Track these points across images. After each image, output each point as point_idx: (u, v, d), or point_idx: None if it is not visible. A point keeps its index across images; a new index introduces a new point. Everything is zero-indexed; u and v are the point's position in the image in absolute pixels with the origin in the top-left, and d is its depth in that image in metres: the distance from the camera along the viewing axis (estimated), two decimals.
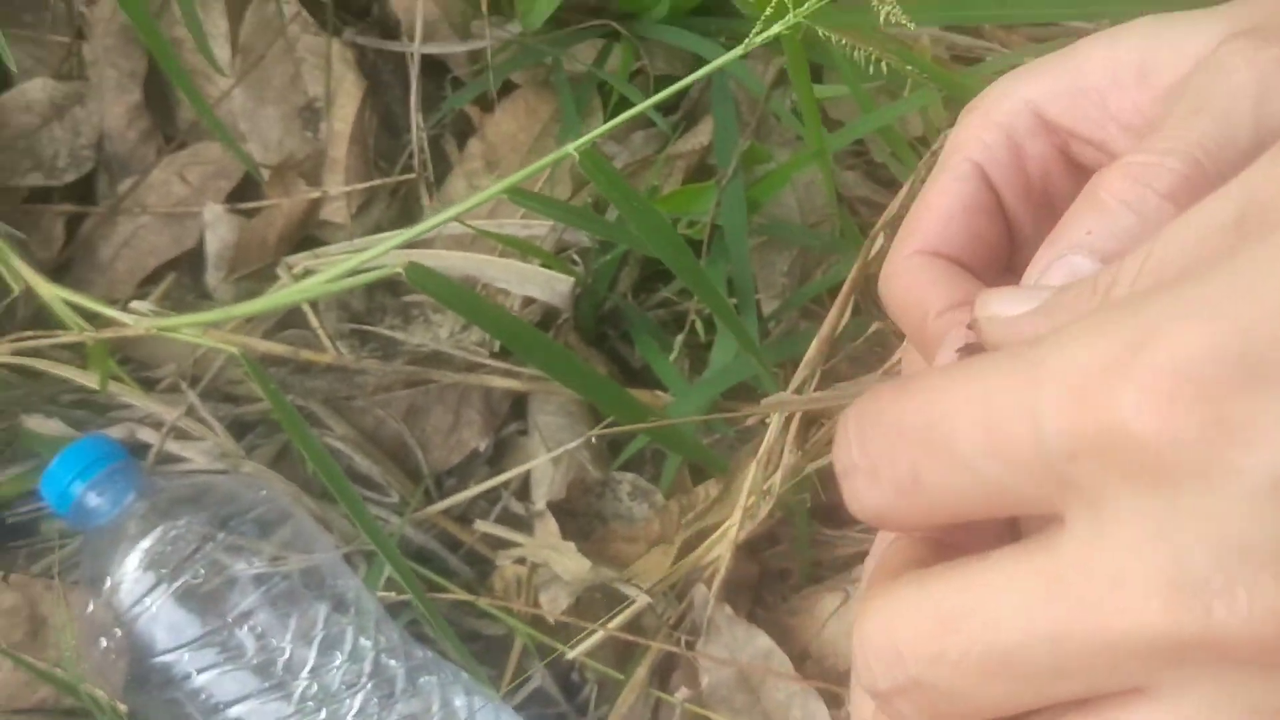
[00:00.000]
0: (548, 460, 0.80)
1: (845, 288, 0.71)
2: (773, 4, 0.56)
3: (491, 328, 0.66)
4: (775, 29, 0.56)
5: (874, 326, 0.72)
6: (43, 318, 0.87)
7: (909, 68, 0.63)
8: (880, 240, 0.70)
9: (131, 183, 0.90)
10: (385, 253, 0.69)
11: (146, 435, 0.79)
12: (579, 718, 0.76)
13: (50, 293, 0.72)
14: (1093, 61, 0.36)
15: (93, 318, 0.75)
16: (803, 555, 0.77)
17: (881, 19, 0.53)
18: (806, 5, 0.55)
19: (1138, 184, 0.31)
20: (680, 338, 0.77)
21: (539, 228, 0.82)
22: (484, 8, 0.78)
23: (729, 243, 0.74)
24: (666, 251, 0.64)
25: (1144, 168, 0.31)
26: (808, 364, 0.71)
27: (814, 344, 0.70)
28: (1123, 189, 0.31)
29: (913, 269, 0.36)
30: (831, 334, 0.70)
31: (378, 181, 0.86)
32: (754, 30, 0.56)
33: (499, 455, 0.85)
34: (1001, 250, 0.38)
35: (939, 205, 0.37)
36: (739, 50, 0.57)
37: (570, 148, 0.61)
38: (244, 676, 0.71)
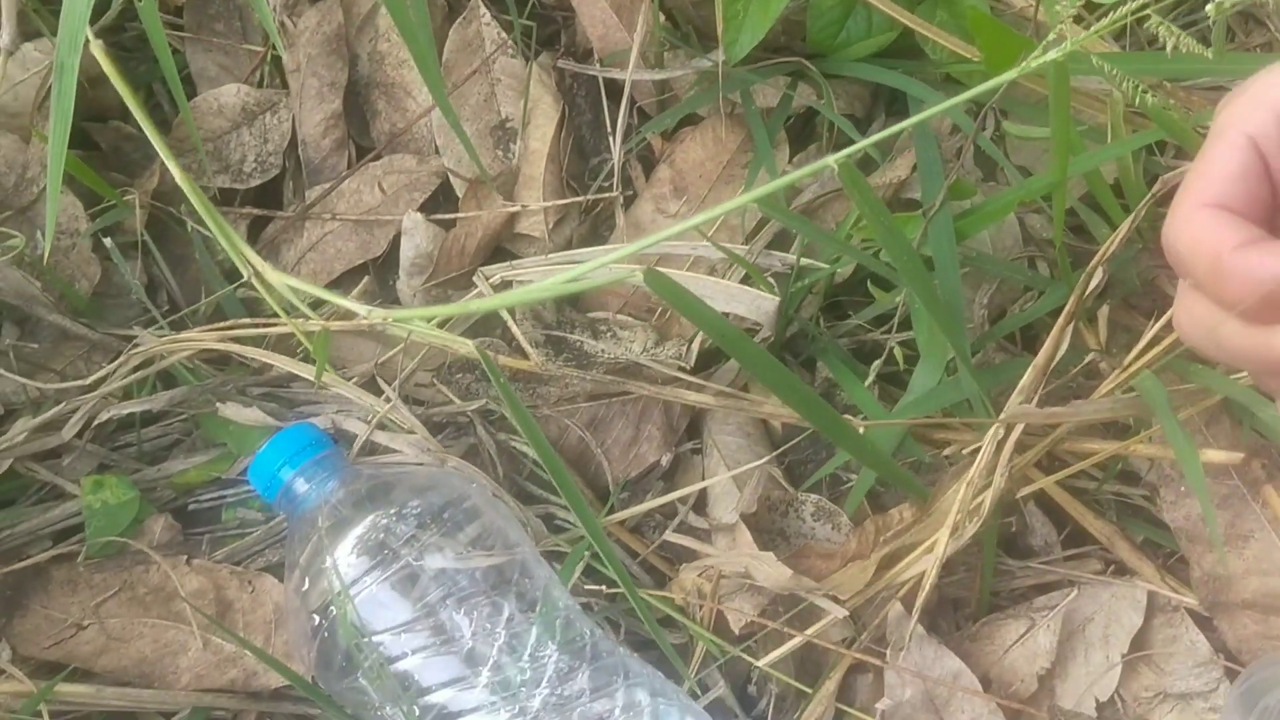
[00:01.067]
0: (729, 477, 0.81)
1: (1062, 318, 0.73)
2: (1032, 49, 0.58)
3: (716, 334, 0.68)
4: (1053, 54, 0.58)
5: (1089, 357, 0.73)
6: (228, 311, 0.89)
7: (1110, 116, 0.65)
8: (1099, 274, 0.72)
9: (322, 189, 0.93)
10: (606, 264, 0.71)
11: (350, 425, 0.80)
12: None
13: (277, 279, 0.74)
14: None
15: (314, 307, 0.77)
16: (985, 583, 0.78)
17: (1169, 47, 0.55)
18: (1084, 35, 0.58)
19: None
20: (878, 364, 0.79)
21: (737, 250, 0.84)
22: (694, 39, 0.81)
23: (940, 270, 0.76)
24: (905, 265, 0.66)
25: None
26: (1021, 391, 0.72)
27: (1029, 371, 0.72)
28: None
29: (1203, 218, 0.42)
30: (1047, 364, 0.72)
31: (577, 199, 0.88)
32: (1034, 53, 0.58)
33: (673, 472, 0.86)
34: (1269, 212, 0.44)
35: (1220, 168, 0.43)
36: (1008, 76, 0.59)
37: (830, 159, 0.63)
38: (444, 663, 0.72)
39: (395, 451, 0.79)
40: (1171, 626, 0.76)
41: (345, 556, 0.72)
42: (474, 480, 0.77)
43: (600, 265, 0.70)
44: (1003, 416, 0.69)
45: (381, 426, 0.80)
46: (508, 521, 0.77)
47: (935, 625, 0.80)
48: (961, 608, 0.81)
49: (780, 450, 0.83)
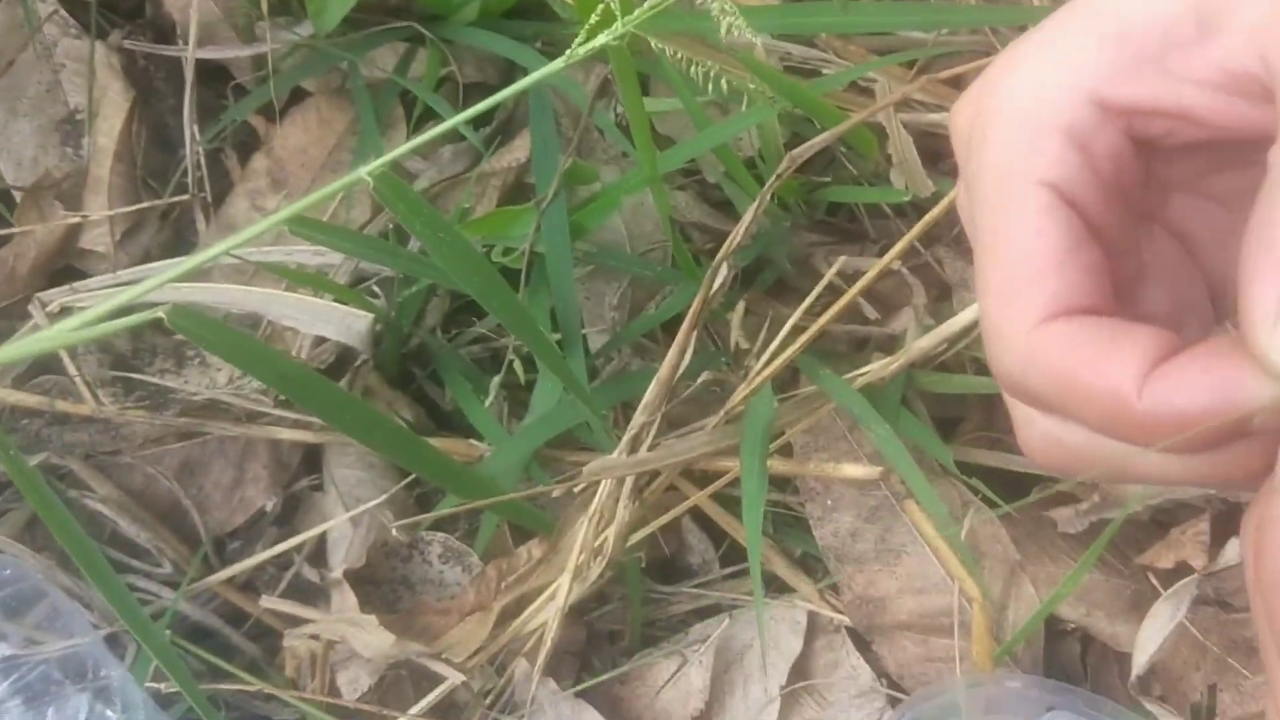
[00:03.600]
0: (346, 520, 0.70)
1: (685, 324, 0.64)
2: (599, 9, 0.49)
3: (269, 377, 0.57)
4: (602, 39, 0.48)
5: (703, 376, 0.65)
6: None
7: (749, 82, 0.56)
8: (724, 270, 0.63)
9: None
10: (153, 289, 0.59)
11: None
12: None
13: None
14: (1134, 24, 0.30)
15: None
16: (635, 615, 0.70)
17: (723, 30, 0.46)
18: (636, 13, 0.48)
19: None
20: (497, 379, 0.69)
21: (334, 256, 0.72)
22: (264, 8, 0.68)
23: (551, 272, 0.66)
24: (476, 284, 0.56)
25: None
26: (645, 409, 0.63)
27: (652, 387, 0.63)
28: None
29: (1062, 342, 0.29)
30: (671, 376, 0.63)
31: (146, 204, 0.75)
32: (577, 39, 0.48)
33: (290, 515, 0.75)
34: (1106, 275, 0.31)
35: (1043, 250, 0.30)
36: (559, 62, 0.49)
37: (362, 171, 0.53)
38: None
39: None
40: (833, 650, 0.68)
41: None
42: (11, 562, 0.64)
43: (143, 291, 0.58)
44: (585, 473, 0.60)
45: None
46: (69, 605, 0.65)
47: (588, 664, 0.72)
48: (617, 640, 0.73)
49: (406, 481, 0.73)
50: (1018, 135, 0.30)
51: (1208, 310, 0.35)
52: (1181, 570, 0.63)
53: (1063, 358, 0.29)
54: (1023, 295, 0.29)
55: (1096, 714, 0.62)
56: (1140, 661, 0.62)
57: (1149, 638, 0.62)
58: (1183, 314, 0.34)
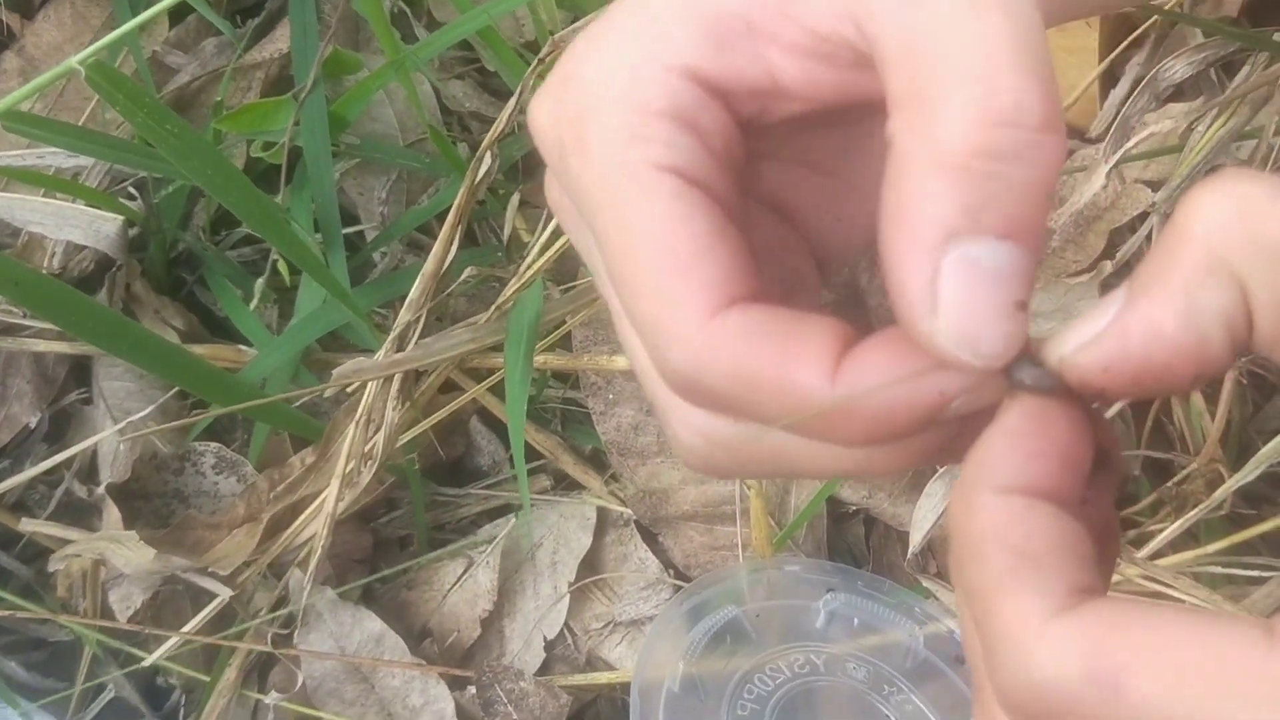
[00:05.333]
0: (114, 433, 0.67)
1: (451, 216, 0.61)
2: None
3: (10, 290, 0.53)
4: None
5: (468, 271, 0.63)
6: None
7: None
8: (488, 161, 0.61)
9: None
10: None
11: None
12: None
13: None
14: None
15: None
16: (420, 519, 0.68)
17: None
18: None
19: (1001, 126, 0.24)
20: (260, 281, 0.66)
21: (88, 159, 0.68)
22: None
23: (309, 166, 0.63)
24: (211, 180, 0.53)
25: (993, 99, 0.24)
26: (410, 306, 0.61)
27: (417, 283, 0.61)
28: (982, 138, 0.24)
29: (741, 336, 0.26)
30: (436, 271, 0.61)
31: None
32: None
33: (63, 430, 0.72)
34: (751, 257, 0.28)
35: (690, 236, 0.27)
36: None
37: (73, 60, 0.49)
38: None
39: None
40: (622, 544, 0.68)
41: None
42: None
43: None
44: (334, 377, 0.58)
45: None
46: None
47: (377, 571, 0.70)
48: (407, 546, 0.71)
49: (176, 391, 0.70)
50: (622, 122, 0.27)
51: (813, 280, 0.33)
52: None
53: (745, 353, 0.26)
54: (681, 288, 0.27)
55: (874, 593, 0.63)
56: (916, 540, 0.62)
57: (924, 516, 0.62)
58: (790, 289, 0.32)
